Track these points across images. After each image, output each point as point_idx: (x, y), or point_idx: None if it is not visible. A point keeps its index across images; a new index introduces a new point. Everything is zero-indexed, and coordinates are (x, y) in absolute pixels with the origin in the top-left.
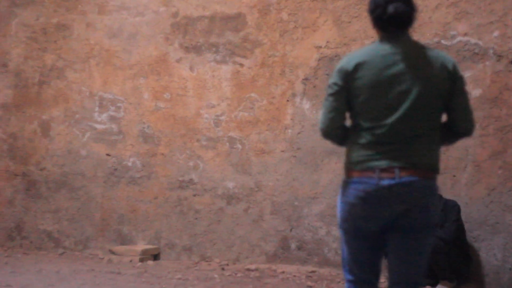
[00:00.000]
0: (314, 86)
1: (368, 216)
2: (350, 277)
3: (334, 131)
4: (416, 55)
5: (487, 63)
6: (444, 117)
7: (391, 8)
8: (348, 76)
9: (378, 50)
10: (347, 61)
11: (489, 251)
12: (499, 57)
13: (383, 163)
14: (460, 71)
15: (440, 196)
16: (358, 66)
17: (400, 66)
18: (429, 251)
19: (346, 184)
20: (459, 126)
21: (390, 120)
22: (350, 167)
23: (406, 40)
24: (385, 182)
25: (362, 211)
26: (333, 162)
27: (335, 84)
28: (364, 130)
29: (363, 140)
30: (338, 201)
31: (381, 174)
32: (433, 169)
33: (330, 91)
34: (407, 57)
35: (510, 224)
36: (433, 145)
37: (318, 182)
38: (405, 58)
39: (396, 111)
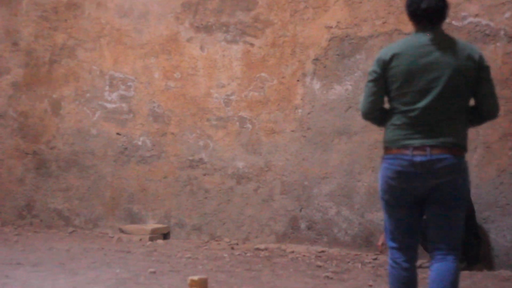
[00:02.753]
0: (325, 66)
1: (404, 188)
2: (393, 244)
3: (374, 114)
4: (447, 46)
5: (498, 44)
6: (471, 102)
7: (424, 4)
8: (385, 65)
9: (413, 42)
10: (385, 52)
11: (499, 232)
12: (510, 38)
13: (416, 142)
14: (486, 61)
15: None
16: (394, 56)
17: (432, 56)
18: (463, 221)
19: (384, 160)
20: (484, 110)
21: (422, 103)
22: (387, 145)
23: (438, 33)
24: (418, 159)
25: (399, 184)
26: (343, 142)
27: (374, 72)
28: (400, 113)
29: (398, 122)
30: (379, 175)
31: (414, 152)
32: (461, 148)
33: (370, 78)
34: (438, 48)
35: None
36: (461, 126)
37: (328, 162)
38: (436, 49)
39: (427, 96)
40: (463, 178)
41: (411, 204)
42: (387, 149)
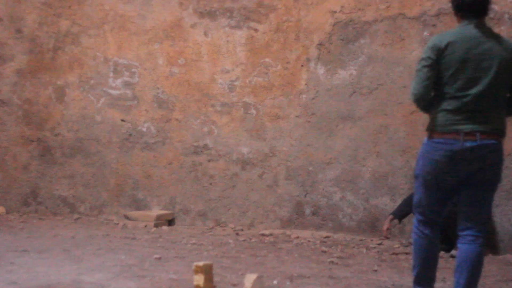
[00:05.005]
0: (329, 51)
1: (451, 171)
2: (420, 217)
3: (426, 97)
4: (494, 39)
5: (503, 27)
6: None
7: None
8: (441, 52)
9: (464, 32)
10: (440, 39)
11: (504, 216)
12: None
13: (467, 127)
14: None
15: None
16: (449, 45)
17: (483, 47)
18: (492, 201)
19: (431, 143)
20: None
21: (474, 91)
22: (436, 129)
23: (484, 27)
24: (468, 144)
25: (447, 167)
26: (347, 127)
27: (429, 58)
28: (451, 98)
29: (449, 107)
30: (420, 157)
31: (465, 137)
32: (503, 134)
33: (425, 63)
34: (488, 40)
35: None
36: (503, 115)
37: (333, 147)
38: (486, 41)
39: (479, 84)
40: (501, 161)
41: (450, 186)
42: (436, 132)
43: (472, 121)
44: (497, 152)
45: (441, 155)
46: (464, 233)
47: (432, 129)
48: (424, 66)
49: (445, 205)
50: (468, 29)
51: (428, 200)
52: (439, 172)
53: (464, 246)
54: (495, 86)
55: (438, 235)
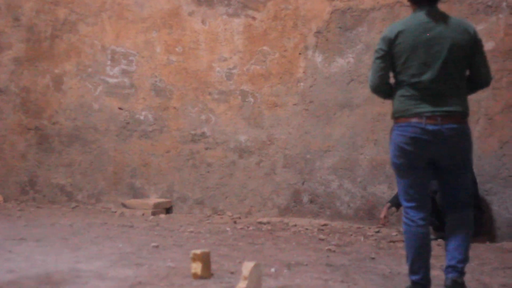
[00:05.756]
0: (327, 39)
1: (418, 153)
2: (408, 204)
3: (383, 87)
4: (445, 23)
5: (500, 15)
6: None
7: None
8: (391, 43)
9: (414, 20)
10: (390, 30)
11: (502, 204)
12: None
13: (427, 111)
14: (479, 35)
15: None
16: (398, 34)
17: (433, 32)
18: (470, 180)
19: (395, 129)
20: (479, 79)
21: (427, 75)
22: (399, 114)
23: (436, 11)
24: (430, 127)
25: (413, 148)
26: (345, 115)
27: (381, 49)
28: (408, 85)
29: (407, 93)
30: (390, 145)
31: (427, 120)
32: (465, 115)
33: (377, 55)
34: (438, 24)
35: None
36: (463, 95)
37: (331, 135)
38: (436, 25)
39: (432, 68)
40: (468, 142)
41: (424, 166)
42: (399, 118)
43: (431, 105)
44: (461, 135)
45: (405, 136)
46: (449, 210)
47: (395, 116)
48: (377, 58)
49: (427, 186)
50: (418, 16)
51: (409, 183)
52: (409, 154)
53: (451, 215)
54: (449, 69)
55: (428, 223)
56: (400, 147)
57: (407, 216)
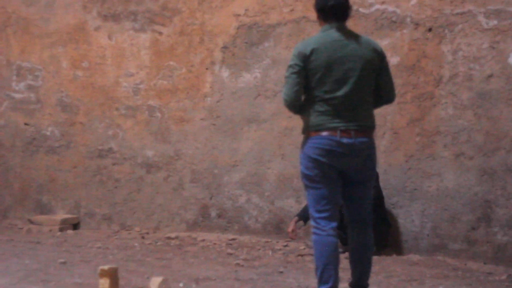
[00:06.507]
0: (233, 54)
1: (330, 164)
2: (319, 215)
3: (297, 102)
4: (355, 41)
5: (405, 31)
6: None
7: (331, 1)
8: (306, 59)
9: (326, 37)
10: (304, 46)
11: (407, 217)
12: (417, 25)
13: (341, 125)
14: (385, 53)
15: None
16: (313, 51)
17: (346, 50)
18: (372, 194)
19: (308, 142)
20: (385, 95)
21: (341, 92)
22: (314, 129)
23: (345, 29)
24: (344, 140)
25: (327, 160)
26: (252, 130)
27: (296, 65)
28: (322, 100)
29: (321, 108)
30: (301, 159)
31: (342, 134)
32: (373, 129)
33: (293, 70)
34: (350, 42)
35: (428, 190)
36: (371, 110)
37: (238, 150)
38: (348, 44)
39: (345, 85)
40: (375, 155)
41: (335, 178)
42: (311, 132)
43: (345, 120)
44: (371, 148)
45: (320, 149)
46: (353, 225)
47: (308, 130)
48: (293, 73)
49: (337, 197)
50: (330, 34)
51: (321, 195)
52: (322, 166)
53: (356, 237)
54: (361, 85)
55: (337, 233)
56: (314, 159)
57: (318, 226)
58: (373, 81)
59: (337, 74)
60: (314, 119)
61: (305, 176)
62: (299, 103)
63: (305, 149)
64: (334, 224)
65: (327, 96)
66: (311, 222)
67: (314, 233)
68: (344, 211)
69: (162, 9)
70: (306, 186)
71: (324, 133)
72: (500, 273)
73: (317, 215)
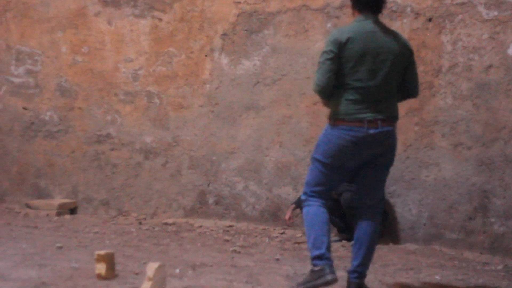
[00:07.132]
0: (233, 42)
1: (355, 155)
2: (314, 194)
3: (329, 88)
4: (388, 34)
5: (405, 20)
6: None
7: None
8: (342, 46)
9: (362, 28)
10: (340, 34)
11: (405, 207)
12: (417, 14)
13: (369, 116)
14: (413, 48)
15: None
16: (349, 39)
17: (379, 42)
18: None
19: (336, 130)
20: (410, 89)
21: (372, 82)
22: (342, 117)
23: (379, 22)
24: (371, 131)
25: (351, 151)
26: (251, 117)
27: (331, 51)
28: (353, 89)
29: (351, 97)
30: (322, 142)
31: (368, 125)
32: (397, 120)
33: (327, 56)
34: (383, 35)
35: (426, 180)
36: (396, 102)
37: (236, 137)
38: (382, 36)
39: (377, 75)
40: (396, 143)
41: (352, 168)
42: (338, 120)
43: (373, 110)
44: (394, 137)
45: (346, 140)
46: (363, 210)
47: (336, 118)
48: (327, 59)
49: (337, 185)
50: (365, 25)
51: (326, 181)
52: (343, 156)
53: (363, 222)
54: (390, 77)
55: (328, 206)
56: (339, 148)
57: (310, 199)
58: (401, 75)
59: (369, 65)
60: (344, 106)
61: (318, 159)
62: (330, 90)
63: (330, 134)
64: (325, 202)
65: (358, 84)
66: (302, 196)
67: (306, 205)
68: (343, 200)
69: None
70: (315, 166)
71: (352, 124)
72: (496, 263)
73: (311, 193)
